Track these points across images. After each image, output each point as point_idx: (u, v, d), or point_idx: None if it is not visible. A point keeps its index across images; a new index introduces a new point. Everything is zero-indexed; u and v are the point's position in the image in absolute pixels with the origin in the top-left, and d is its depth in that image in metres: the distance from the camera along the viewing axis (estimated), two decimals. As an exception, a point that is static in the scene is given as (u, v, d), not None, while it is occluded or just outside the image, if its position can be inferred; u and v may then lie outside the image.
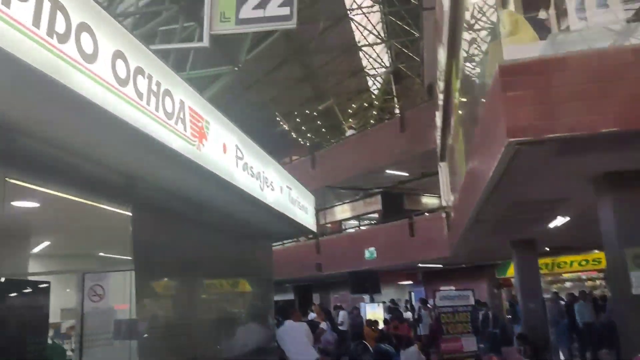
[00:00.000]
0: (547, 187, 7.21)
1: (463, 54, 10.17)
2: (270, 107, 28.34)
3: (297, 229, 8.03)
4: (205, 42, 5.71)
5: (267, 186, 6.13)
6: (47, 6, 2.69)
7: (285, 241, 23.90)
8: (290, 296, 26.98)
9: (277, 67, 25.77)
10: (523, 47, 6.38)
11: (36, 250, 6.40)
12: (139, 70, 3.54)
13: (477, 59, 10.17)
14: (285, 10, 5.54)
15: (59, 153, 3.76)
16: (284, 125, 29.72)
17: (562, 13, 7.96)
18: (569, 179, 6.68)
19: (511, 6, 8.58)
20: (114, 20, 3.31)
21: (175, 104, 4.03)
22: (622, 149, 5.40)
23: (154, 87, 3.71)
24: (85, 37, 2.99)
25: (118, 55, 3.30)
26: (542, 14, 8.95)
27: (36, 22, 2.62)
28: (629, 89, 4.83)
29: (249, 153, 5.58)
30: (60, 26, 2.79)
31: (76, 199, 4.54)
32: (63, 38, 2.81)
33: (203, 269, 6.27)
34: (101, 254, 6.60)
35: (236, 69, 16.68)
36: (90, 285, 5.86)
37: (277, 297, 27.10)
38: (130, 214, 4.92)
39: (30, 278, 6.17)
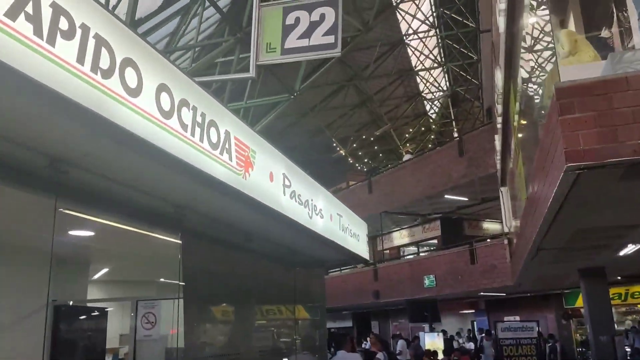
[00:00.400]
0: (614, 213, 6.78)
1: (521, 75, 9.88)
2: (327, 133, 28.55)
3: (349, 257, 7.92)
4: (252, 73, 5.80)
5: (316, 214, 6.08)
6: (91, 43, 2.79)
7: (342, 268, 23.77)
8: (348, 324, 26.67)
9: (333, 93, 26.04)
10: (582, 67, 6.11)
11: (94, 277, 6.62)
12: (184, 102, 3.60)
13: (535, 80, 9.85)
14: (330, 39, 5.57)
15: (110, 184, 3.87)
16: (341, 151, 29.79)
17: (626, 31, 7.60)
18: (637, 205, 6.25)
19: (571, 26, 8.29)
20: (159, 55, 3.40)
21: (221, 134, 4.07)
22: (694, 173, 5.00)
23: (199, 119, 3.77)
24: (129, 72, 3.07)
25: (162, 88, 3.38)
26: (604, 33, 8.59)
27: (80, 59, 2.71)
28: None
29: (297, 181, 5.57)
30: (104, 62, 2.88)
31: (128, 228, 4.65)
32: (107, 74, 2.90)
33: (253, 297, 6.26)
34: (156, 280, 6.74)
35: (292, 97, 17.01)
36: (143, 312, 5.97)
37: (335, 325, 27.04)
38: (180, 241, 4.99)
39: (90, 304, 6.37)
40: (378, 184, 22.38)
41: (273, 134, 23.89)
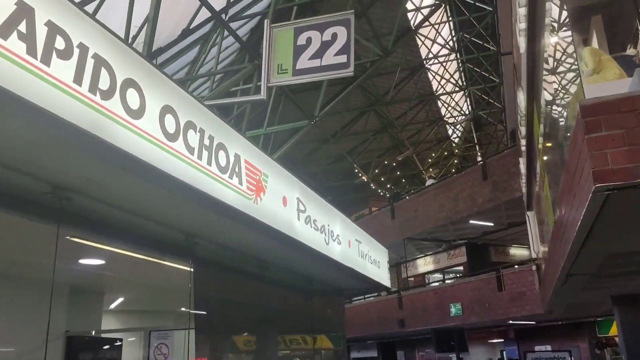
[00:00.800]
0: (648, 236, 6.43)
1: (544, 97, 9.65)
2: (349, 159, 28.44)
3: (369, 284, 7.66)
4: (263, 95, 5.70)
5: (333, 240, 5.88)
6: (90, 63, 2.70)
7: (366, 296, 23.36)
8: (373, 353, 26.08)
9: (354, 119, 26.00)
10: (608, 85, 5.88)
11: (108, 307, 6.49)
12: (190, 125, 3.49)
13: (560, 101, 9.59)
14: (342, 59, 5.45)
15: (114, 210, 3.75)
16: (363, 177, 29.59)
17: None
18: (673, 228, 5.91)
19: (594, 44, 8.06)
20: (163, 75, 3.30)
21: (230, 158, 3.94)
22: None
23: (207, 141, 3.65)
24: (131, 92, 2.97)
25: (167, 110, 3.27)
26: (630, 51, 8.34)
27: (78, 79, 2.62)
28: None
29: (312, 206, 5.40)
30: (104, 83, 2.79)
31: (137, 255, 4.52)
32: (107, 94, 2.80)
33: (268, 327, 6.05)
34: (168, 309, 6.58)
35: (312, 123, 16.99)
36: (156, 343, 5.81)
37: (360, 355, 26.42)
38: (191, 269, 4.84)
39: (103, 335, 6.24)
40: (401, 210, 22.07)
41: (294, 162, 23.89)
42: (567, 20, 8.04)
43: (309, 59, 5.48)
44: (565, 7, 7.63)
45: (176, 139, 3.33)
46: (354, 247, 6.62)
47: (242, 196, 4.05)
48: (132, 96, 2.98)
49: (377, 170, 30.23)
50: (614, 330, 15.59)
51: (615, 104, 4.75)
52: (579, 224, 5.54)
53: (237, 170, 4.02)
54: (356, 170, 29.41)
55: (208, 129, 3.69)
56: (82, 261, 4.69)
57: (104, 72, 2.79)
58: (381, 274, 7.82)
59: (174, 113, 3.33)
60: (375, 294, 23.34)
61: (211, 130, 3.72)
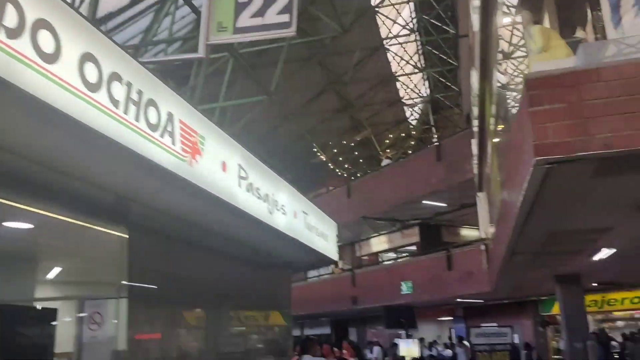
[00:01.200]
0: (587, 215, 6.57)
1: (497, 78, 9.72)
2: (308, 138, 28.29)
3: (316, 257, 7.58)
4: (201, 53, 5.49)
5: (278, 210, 5.77)
6: (-6, -2, 2.46)
7: (321, 274, 23.49)
8: (327, 330, 26.38)
9: (314, 98, 25.81)
10: (556, 63, 5.91)
11: (41, 276, 6.19)
12: (115, 77, 3.28)
13: (510, 80, 9.70)
14: (285, 17, 5.27)
15: (38, 168, 3.51)
16: (321, 157, 29.53)
17: (600, 31, 7.45)
18: (611, 206, 6.05)
19: (546, 24, 8.13)
20: (84, 20, 3.06)
21: (162, 116, 3.75)
22: (667, 169, 4.81)
23: (134, 96, 3.45)
24: (44, 34, 2.74)
25: (87, 57, 3.05)
26: (579, 34, 8.45)
27: (-21, 14, 2.38)
28: (673, 101, 4.28)
29: (255, 174, 5.25)
30: (11, 20, 2.55)
31: (67, 219, 4.29)
32: (14, 34, 2.57)
33: (209, 298, 5.91)
34: (102, 278, 6.33)
35: (266, 97, 16.72)
36: (89, 312, 5.58)
37: (313, 331, 26.67)
38: (126, 236, 4.65)
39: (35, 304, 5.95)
40: (357, 189, 22.18)
41: (253, 139, 23.57)
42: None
43: (251, 17, 5.29)
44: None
45: (98, 89, 3.11)
46: (300, 218, 6.51)
47: (175, 157, 3.87)
48: (46, 39, 2.75)
49: (335, 150, 30.21)
50: (556, 309, 16.11)
51: (558, 79, 4.76)
52: (522, 199, 5.59)
53: (170, 129, 3.83)
54: (315, 150, 29.32)
55: (137, 83, 3.48)
56: (7, 224, 4.42)
57: (10, 9, 2.55)
58: (329, 247, 7.76)
59: (97, 62, 3.11)
60: (330, 272, 23.53)
61: (140, 85, 3.51)
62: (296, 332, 27.30)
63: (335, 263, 8.76)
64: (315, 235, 7.08)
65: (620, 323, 17.22)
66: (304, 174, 27.97)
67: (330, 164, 29.90)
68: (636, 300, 15.78)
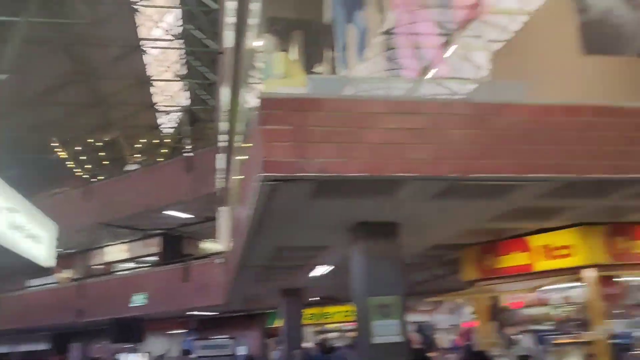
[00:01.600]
0: (308, 232, 7.16)
1: (246, 94, 10.08)
2: (48, 130, 25.33)
3: (22, 263, 6.62)
4: None
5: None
6: None
7: (46, 282, 21.05)
8: (45, 346, 23.72)
9: (60, 87, 23.32)
10: (290, 88, 6.37)
11: None
12: None
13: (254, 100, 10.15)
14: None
15: None
16: (61, 154, 26.70)
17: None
18: (327, 226, 6.68)
19: (292, 54, 8.76)
20: None
21: None
22: (370, 197, 5.51)
23: None
24: None
25: None
26: (318, 69, 9.34)
27: None
28: (378, 137, 4.92)
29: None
30: None
31: None
32: None
33: None
34: None
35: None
36: None
37: (28, 347, 23.65)
38: None
39: None
40: (98, 193, 20.67)
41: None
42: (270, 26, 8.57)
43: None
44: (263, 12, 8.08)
45: None
46: (2, 216, 5.63)
47: None
48: None
49: (79, 148, 27.65)
50: (279, 322, 17.21)
51: (289, 102, 5.09)
52: (252, 214, 5.81)
53: None
54: (54, 145, 26.40)
55: None
56: None
57: None
58: (40, 252, 6.86)
59: None
60: (55, 280, 21.28)
61: None
62: (4, 350, 23.98)
63: (50, 270, 7.85)
64: (22, 236, 6.19)
65: (333, 334, 19.17)
66: (37, 171, 24.87)
67: (69, 163, 27.20)
68: (346, 313, 17.79)
